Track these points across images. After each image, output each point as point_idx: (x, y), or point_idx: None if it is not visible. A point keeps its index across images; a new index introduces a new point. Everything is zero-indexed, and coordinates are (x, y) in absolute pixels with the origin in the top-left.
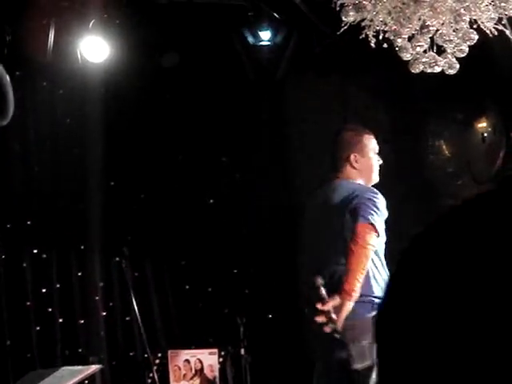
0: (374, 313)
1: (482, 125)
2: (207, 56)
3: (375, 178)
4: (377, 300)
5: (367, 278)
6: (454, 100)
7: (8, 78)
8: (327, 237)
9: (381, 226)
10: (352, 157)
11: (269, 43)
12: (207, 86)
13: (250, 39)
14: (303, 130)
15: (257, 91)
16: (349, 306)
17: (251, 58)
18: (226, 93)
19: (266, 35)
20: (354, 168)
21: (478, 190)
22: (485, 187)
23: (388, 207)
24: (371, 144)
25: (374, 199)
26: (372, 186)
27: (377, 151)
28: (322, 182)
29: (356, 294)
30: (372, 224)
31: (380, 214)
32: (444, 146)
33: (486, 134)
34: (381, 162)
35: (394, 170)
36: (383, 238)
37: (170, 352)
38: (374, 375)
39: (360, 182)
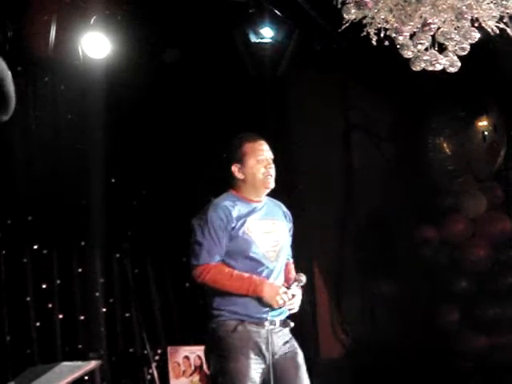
0: None
1: (483, 123)
2: (209, 53)
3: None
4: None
5: None
6: (455, 98)
7: (10, 73)
8: None
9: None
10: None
11: (270, 40)
12: (208, 82)
13: (252, 36)
14: (304, 126)
15: (258, 88)
16: None
17: (252, 55)
18: (228, 89)
19: (267, 32)
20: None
21: (478, 187)
22: (485, 185)
23: (389, 204)
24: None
25: None
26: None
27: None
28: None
29: None
30: None
31: None
32: (445, 144)
33: (486, 133)
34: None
35: (394, 168)
36: None
37: (169, 348)
38: None
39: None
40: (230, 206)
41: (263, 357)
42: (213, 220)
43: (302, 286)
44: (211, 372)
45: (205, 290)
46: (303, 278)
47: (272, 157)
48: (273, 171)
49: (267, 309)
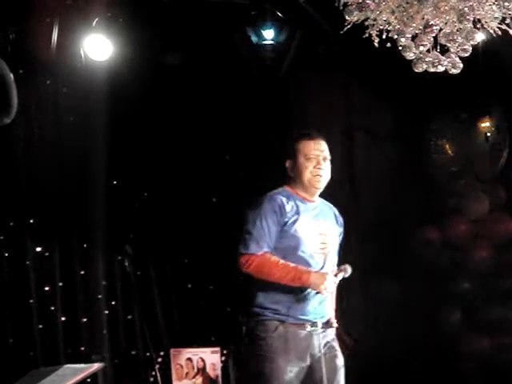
0: None
1: (486, 124)
2: (210, 54)
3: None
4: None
5: None
6: (458, 100)
7: (12, 76)
8: None
9: None
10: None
11: (272, 42)
12: (210, 84)
13: (254, 38)
14: (306, 128)
15: (260, 90)
16: None
17: (254, 56)
18: (230, 91)
19: (269, 34)
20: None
21: (481, 188)
22: (488, 186)
23: (391, 206)
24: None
25: None
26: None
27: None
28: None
29: None
30: None
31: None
32: (447, 146)
33: (489, 134)
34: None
35: (396, 169)
36: None
37: (172, 350)
38: None
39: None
40: (284, 201)
41: (302, 358)
42: (266, 211)
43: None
44: (247, 370)
45: (247, 285)
46: (349, 269)
47: (327, 157)
48: (324, 172)
49: (309, 310)
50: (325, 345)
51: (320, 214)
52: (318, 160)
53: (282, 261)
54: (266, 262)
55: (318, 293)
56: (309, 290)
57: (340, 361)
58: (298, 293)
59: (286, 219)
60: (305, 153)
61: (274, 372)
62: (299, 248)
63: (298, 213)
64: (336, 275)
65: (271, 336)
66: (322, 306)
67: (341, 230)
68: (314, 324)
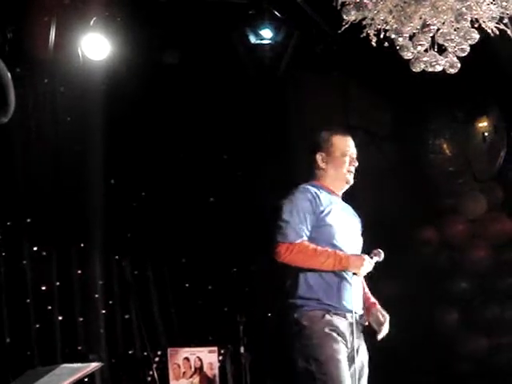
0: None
1: (483, 124)
2: (208, 54)
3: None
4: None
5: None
6: (455, 99)
7: (9, 75)
8: None
9: None
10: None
11: (270, 41)
12: (208, 83)
13: (252, 37)
14: (304, 127)
15: (258, 89)
16: None
17: (252, 56)
18: (228, 91)
19: (267, 33)
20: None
21: (478, 188)
22: (485, 186)
23: (389, 205)
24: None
25: None
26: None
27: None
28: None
29: None
30: None
31: None
32: (445, 145)
33: (486, 134)
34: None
35: (394, 169)
36: None
37: (169, 350)
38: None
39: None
40: (318, 191)
41: (346, 348)
42: (301, 200)
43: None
44: (298, 363)
45: (287, 277)
46: (382, 253)
47: (356, 155)
48: (353, 168)
49: (347, 300)
50: (358, 337)
51: (345, 208)
52: (352, 157)
53: (319, 247)
54: (306, 250)
55: (354, 274)
56: (346, 279)
57: (367, 356)
58: (336, 282)
59: (322, 208)
60: (341, 148)
61: (331, 355)
62: (333, 237)
63: (331, 203)
64: (372, 258)
65: (317, 323)
66: (357, 297)
67: (360, 226)
68: (352, 314)
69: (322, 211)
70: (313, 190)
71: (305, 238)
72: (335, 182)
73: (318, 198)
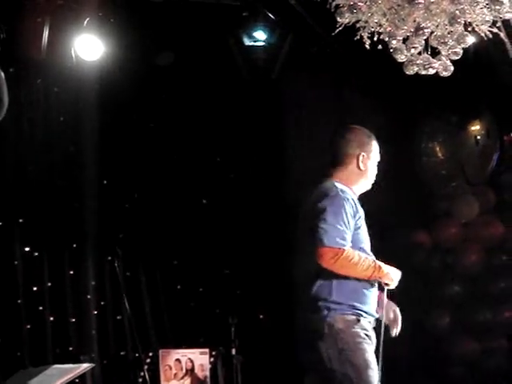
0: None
1: (476, 128)
2: (202, 55)
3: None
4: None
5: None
6: (448, 103)
7: (3, 74)
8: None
9: None
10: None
11: (264, 43)
12: (202, 85)
13: (245, 39)
14: (298, 130)
15: (252, 91)
16: None
17: (246, 58)
18: (221, 93)
19: (261, 35)
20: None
21: (471, 192)
22: (478, 189)
23: (382, 208)
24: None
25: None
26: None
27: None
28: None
29: None
30: None
31: None
32: (438, 148)
33: (479, 137)
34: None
35: (387, 172)
36: None
37: (161, 351)
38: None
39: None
40: (351, 193)
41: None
42: (346, 206)
43: None
44: (333, 367)
45: (319, 282)
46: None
47: None
48: None
49: (371, 306)
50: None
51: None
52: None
53: (361, 254)
54: (352, 257)
55: (386, 284)
56: (374, 286)
57: None
58: (367, 288)
59: (359, 214)
60: (375, 152)
61: (367, 364)
62: (362, 242)
63: (360, 207)
64: None
65: (352, 327)
66: (375, 303)
67: None
68: (374, 320)
69: (360, 217)
70: (350, 192)
71: (350, 243)
72: (364, 184)
73: (355, 201)
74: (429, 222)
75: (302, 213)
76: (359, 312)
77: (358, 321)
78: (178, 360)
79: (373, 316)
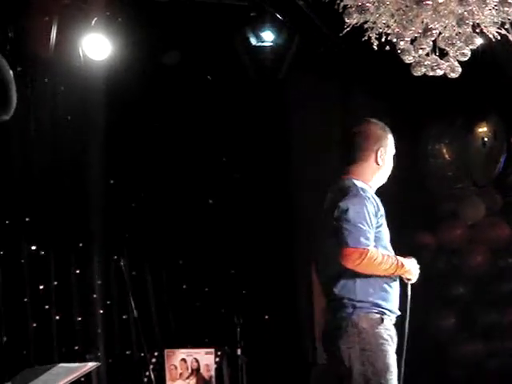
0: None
1: (483, 129)
2: (209, 55)
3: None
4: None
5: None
6: (455, 104)
7: (11, 73)
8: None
9: None
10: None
11: (271, 44)
12: (209, 85)
13: (253, 40)
14: (304, 130)
15: (258, 91)
16: None
17: (253, 58)
18: (228, 93)
19: (268, 36)
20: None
21: (477, 193)
22: (484, 191)
23: (388, 209)
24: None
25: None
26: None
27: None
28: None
29: None
30: None
31: None
32: (444, 150)
33: (486, 139)
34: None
35: (394, 173)
36: None
37: (166, 351)
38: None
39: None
40: (372, 193)
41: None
42: (368, 205)
43: None
44: (353, 365)
45: (342, 281)
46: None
47: None
48: None
49: (394, 304)
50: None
51: None
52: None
53: (383, 252)
54: (376, 257)
55: (408, 280)
56: (396, 282)
57: None
58: (390, 285)
59: (380, 212)
60: (391, 145)
61: (387, 367)
62: (383, 240)
63: (381, 205)
64: None
65: (377, 327)
66: (398, 300)
67: None
68: (396, 318)
69: (380, 213)
70: (369, 189)
71: (373, 242)
72: (380, 180)
73: (374, 198)
74: (435, 223)
75: (323, 212)
76: (383, 310)
77: (382, 320)
78: (183, 360)
79: (395, 314)
